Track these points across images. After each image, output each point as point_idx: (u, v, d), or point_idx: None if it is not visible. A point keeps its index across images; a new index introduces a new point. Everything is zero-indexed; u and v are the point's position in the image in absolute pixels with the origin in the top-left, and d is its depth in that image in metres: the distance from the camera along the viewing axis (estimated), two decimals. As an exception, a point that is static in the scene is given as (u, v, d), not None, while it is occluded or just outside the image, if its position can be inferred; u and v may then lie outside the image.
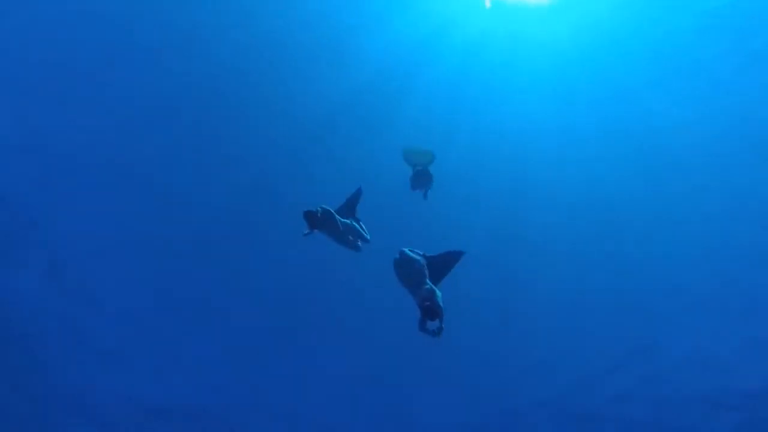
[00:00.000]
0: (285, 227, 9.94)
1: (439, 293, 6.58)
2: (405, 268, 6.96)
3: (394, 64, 16.35)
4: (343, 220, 7.94)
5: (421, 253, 7.23)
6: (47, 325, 14.88)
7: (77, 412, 14.77)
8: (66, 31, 14.87)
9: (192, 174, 16.54)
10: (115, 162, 15.82)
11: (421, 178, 10.56)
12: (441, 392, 16.57)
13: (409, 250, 7.15)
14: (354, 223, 8.23)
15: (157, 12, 15.32)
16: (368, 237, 8.31)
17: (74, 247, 15.36)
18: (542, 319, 16.73)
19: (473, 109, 16.61)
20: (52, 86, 15.14)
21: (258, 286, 16.82)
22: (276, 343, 16.72)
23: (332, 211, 7.75)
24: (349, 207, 8.28)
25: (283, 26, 15.56)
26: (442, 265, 7.18)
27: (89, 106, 15.54)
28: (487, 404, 16.49)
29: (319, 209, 7.61)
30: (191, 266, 16.35)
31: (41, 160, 15.28)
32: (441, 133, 16.33)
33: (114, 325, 15.54)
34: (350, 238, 8.09)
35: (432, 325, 6.57)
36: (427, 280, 6.80)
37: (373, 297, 15.38)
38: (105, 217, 15.84)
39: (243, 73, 16.36)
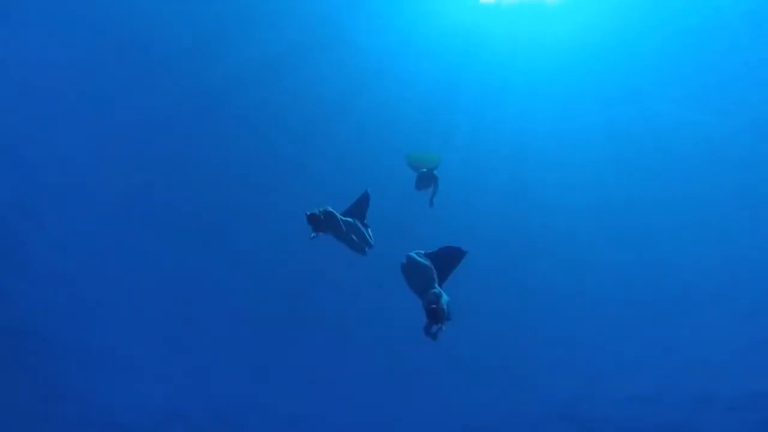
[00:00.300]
0: (288, 229, 9.95)
1: (446, 297, 6.58)
2: (412, 272, 6.98)
3: (393, 64, 16.32)
4: (344, 219, 8.00)
5: (423, 252, 7.24)
6: (51, 328, 14.87)
7: (81, 415, 14.78)
8: (74, 34, 14.81)
9: (194, 176, 16.52)
10: (118, 163, 15.80)
11: (426, 180, 10.44)
12: (446, 394, 16.64)
13: (415, 254, 7.16)
14: (357, 223, 8.26)
15: (156, 11, 15.25)
16: (372, 242, 8.33)
17: (77, 248, 15.34)
18: (546, 321, 16.79)
19: (474, 110, 16.59)
20: (52, 88, 15.08)
21: (262, 289, 16.84)
22: (282, 347, 16.75)
23: (334, 212, 7.82)
24: (358, 212, 8.30)
25: (284, 26, 15.51)
26: (444, 264, 7.20)
27: (89, 109, 15.50)
28: (491, 407, 16.57)
29: (320, 211, 7.67)
30: (194, 268, 16.35)
31: (42, 161, 15.24)
32: (442, 135, 16.35)
33: (116, 329, 15.54)
34: (354, 238, 8.13)
35: (437, 328, 6.60)
36: (435, 284, 6.81)
37: (379, 300, 15.42)
38: (108, 219, 15.83)
39: (242, 72, 16.32)
